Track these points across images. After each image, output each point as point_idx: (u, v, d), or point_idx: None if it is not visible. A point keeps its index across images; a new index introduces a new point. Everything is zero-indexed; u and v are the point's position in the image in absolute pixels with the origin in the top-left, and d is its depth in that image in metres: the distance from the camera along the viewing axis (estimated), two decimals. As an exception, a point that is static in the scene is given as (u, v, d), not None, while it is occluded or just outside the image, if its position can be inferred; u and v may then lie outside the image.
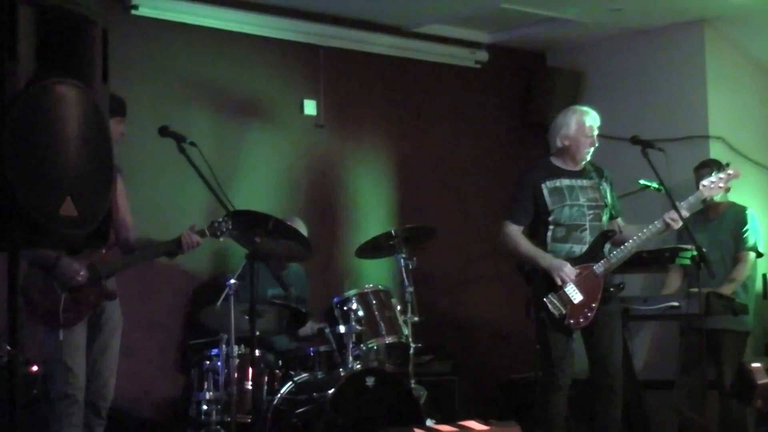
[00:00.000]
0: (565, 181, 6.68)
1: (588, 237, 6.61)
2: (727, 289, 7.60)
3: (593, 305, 6.50)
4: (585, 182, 6.70)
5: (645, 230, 6.59)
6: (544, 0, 8.56)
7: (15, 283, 3.50)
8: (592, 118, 6.77)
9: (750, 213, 7.97)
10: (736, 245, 7.87)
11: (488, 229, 8.99)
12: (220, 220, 6.23)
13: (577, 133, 6.68)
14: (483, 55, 9.59)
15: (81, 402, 5.91)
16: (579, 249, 6.60)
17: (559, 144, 6.76)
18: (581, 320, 6.49)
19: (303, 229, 7.72)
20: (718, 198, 7.84)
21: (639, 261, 7.77)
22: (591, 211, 6.64)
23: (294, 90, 8.65)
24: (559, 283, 6.47)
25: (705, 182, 6.71)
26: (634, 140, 6.85)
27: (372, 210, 8.97)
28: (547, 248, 6.63)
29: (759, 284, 8.51)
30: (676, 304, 7.37)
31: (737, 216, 7.94)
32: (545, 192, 6.66)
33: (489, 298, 9.37)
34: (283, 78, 8.59)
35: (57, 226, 3.37)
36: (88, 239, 3.58)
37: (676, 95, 9.08)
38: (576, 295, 6.48)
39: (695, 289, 7.02)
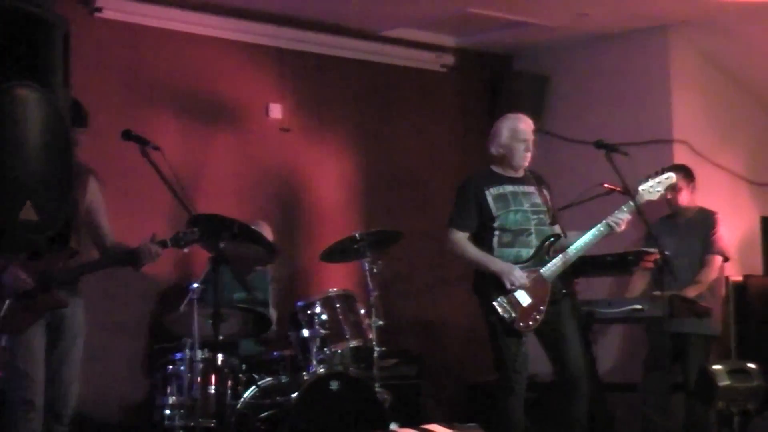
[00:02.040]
0: (509, 188, 6.76)
1: (534, 241, 6.69)
2: (692, 292, 7.66)
3: (541, 308, 6.59)
4: (527, 188, 6.79)
5: (589, 233, 6.66)
6: (511, 4, 8.60)
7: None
8: (525, 123, 6.85)
9: (718, 217, 8.03)
10: (704, 249, 7.93)
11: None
12: (186, 231, 6.14)
13: (509, 140, 6.78)
14: (449, 59, 9.63)
15: (39, 407, 5.84)
16: (526, 253, 6.69)
17: (494, 152, 6.86)
18: (530, 323, 6.57)
19: (269, 234, 7.72)
20: (685, 203, 7.92)
21: (604, 264, 7.85)
22: (535, 216, 6.73)
23: (259, 94, 8.66)
24: (509, 286, 6.54)
25: (643, 186, 6.76)
26: (599, 144, 6.92)
27: (338, 214, 8.99)
28: (494, 253, 6.71)
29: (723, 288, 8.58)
30: (639, 307, 7.42)
31: (706, 220, 8.01)
32: (489, 198, 6.74)
33: (455, 302, 9.39)
34: (248, 81, 8.60)
35: (17, 231, 3.36)
36: (49, 244, 3.58)
37: (641, 99, 9.15)
38: (525, 299, 6.57)
39: (658, 292, 7.08)
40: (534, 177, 6.87)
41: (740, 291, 8.74)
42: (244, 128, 8.56)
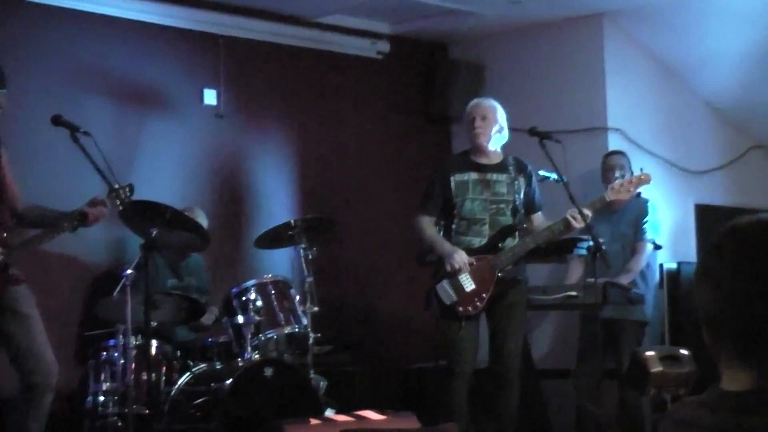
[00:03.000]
0: (474, 175, 6.83)
1: (487, 230, 6.77)
2: (624, 279, 7.74)
3: (483, 295, 6.68)
4: (496, 176, 6.86)
5: (546, 228, 6.75)
6: (446, -9, 8.64)
7: None
8: (474, 102, 7.00)
9: (651, 205, 8.12)
10: (636, 236, 8.01)
11: (391, 220, 9.12)
12: (118, 186, 6.10)
13: (466, 122, 6.88)
14: (384, 46, 9.63)
15: None
16: (478, 242, 6.77)
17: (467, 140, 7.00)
18: (470, 308, 6.67)
19: (203, 220, 7.69)
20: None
21: (538, 251, 7.88)
22: (493, 206, 6.79)
23: (194, 80, 8.62)
24: (448, 269, 6.61)
25: (615, 185, 6.88)
26: (532, 132, 6.99)
27: (274, 201, 8.98)
28: (451, 240, 6.78)
29: (657, 275, 8.66)
30: (574, 293, 7.52)
31: (639, 208, 8.08)
32: (452, 185, 6.86)
33: (392, 289, 9.42)
34: (182, 67, 8.56)
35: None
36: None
37: (576, 88, 9.21)
38: (468, 284, 6.66)
39: (592, 279, 7.15)
40: (515, 165, 6.90)
41: (674, 278, 8.82)
42: (179, 114, 8.51)
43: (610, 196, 6.88)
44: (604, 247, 6.93)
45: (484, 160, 6.90)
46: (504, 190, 6.84)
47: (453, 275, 6.69)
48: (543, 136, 6.94)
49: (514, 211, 6.83)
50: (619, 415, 7.91)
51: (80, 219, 6.00)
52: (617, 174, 7.95)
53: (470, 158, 6.95)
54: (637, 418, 7.74)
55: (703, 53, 9.29)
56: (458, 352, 6.75)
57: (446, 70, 9.71)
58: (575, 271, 8.08)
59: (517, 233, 6.84)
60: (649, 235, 8.01)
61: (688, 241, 9.44)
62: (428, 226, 6.95)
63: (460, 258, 6.68)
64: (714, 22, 8.92)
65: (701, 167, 9.64)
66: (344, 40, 9.40)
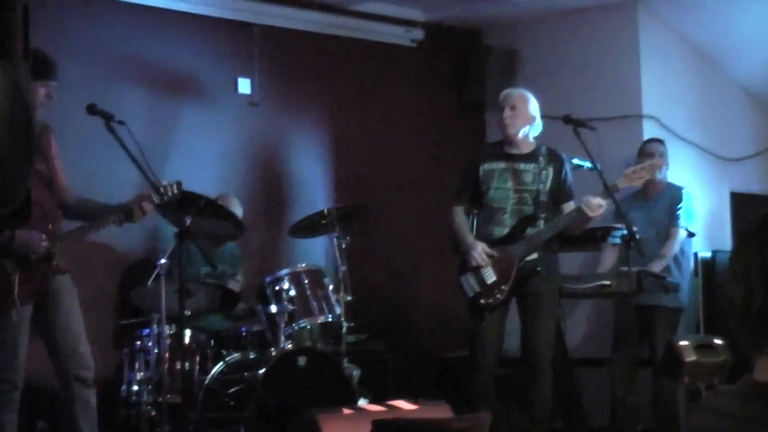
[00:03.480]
0: (501, 164, 6.86)
1: (508, 220, 6.81)
2: (657, 266, 7.71)
3: (503, 287, 6.75)
4: (523, 166, 6.86)
5: (561, 218, 6.77)
6: (479, -22, 8.62)
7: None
8: (503, 95, 6.98)
9: (686, 193, 8.08)
10: (669, 222, 7.98)
11: (425, 208, 9.12)
12: (166, 183, 6.14)
13: (498, 112, 6.88)
14: (418, 34, 9.62)
15: (20, 387, 5.81)
16: (499, 231, 6.82)
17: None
18: (491, 300, 6.76)
19: (238, 208, 7.72)
20: (659, 176, 7.96)
21: (572, 239, 7.88)
22: (516, 195, 6.82)
23: (228, 68, 8.63)
24: (471, 263, 6.67)
25: (628, 171, 6.86)
26: (567, 119, 6.98)
27: (309, 189, 8.99)
28: (478, 229, 6.85)
29: (692, 263, 8.63)
30: (607, 282, 7.49)
31: (673, 195, 8.05)
32: (481, 173, 6.89)
33: (426, 277, 9.43)
34: (216, 56, 8.58)
35: (-24, 206, 3.36)
36: (9, 219, 3.57)
37: (610, 74, 9.17)
38: (490, 276, 6.73)
39: (626, 268, 7.13)
40: (546, 155, 6.89)
41: (708, 266, 8.78)
42: (213, 103, 8.53)
43: (623, 182, 6.85)
44: (638, 236, 6.92)
45: (514, 150, 6.90)
46: (530, 179, 6.84)
47: (476, 267, 6.74)
48: (577, 124, 6.93)
49: (537, 201, 6.83)
50: (653, 403, 7.88)
51: (127, 214, 6.02)
52: (660, 161, 7.94)
53: (502, 148, 6.96)
54: (672, 406, 7.70)
55: (738, 39, 9.23)
56: (480, 344, 6.83)
57: (480, 57, 9.69)
58: (609, 259, 8.05)
59: (540, 222, 6.83)
60: (682, 222, 7.98)
61: (724, 229, 9.39)
62: (458, 215, 7.02)
63: (479, 254, 6.75)
64: (749, 7, 8.86)
65: (737, 154, 9.59)
66: (378, 27, 9.39)
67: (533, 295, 6.81)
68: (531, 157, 6.89)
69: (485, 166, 6.89)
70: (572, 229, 6.91)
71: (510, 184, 6.83)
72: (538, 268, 6.79)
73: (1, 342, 5.75)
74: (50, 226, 5.86)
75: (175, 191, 6.10)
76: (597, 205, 6.63)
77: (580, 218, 6.75)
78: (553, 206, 6.89)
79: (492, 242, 6.81)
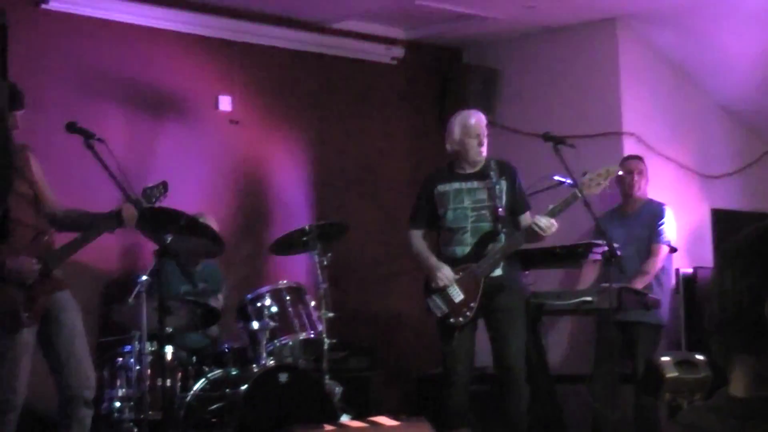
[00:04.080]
0: (455, 185, 6.96)
1: (469, 239, 6.91)
2: (639, 283, 7.74)
3: (472, 304, 6.84)
4: (476, 184, 6.95)
5: (518, 234, 6.83)
6: (459, -4, 8.64)
7: None
8: (475, 118, 7.01)
9: (667, 209, 8.12)
10: (650, 239, 8.01)
11: (407, 225, 9.11)
12: (152, 185, 6.18)
13: (462, 136, 6.95)
14: (399, 52, 9.64)
15: (19, 407, 5.80)
16: (461, 251, 6.93)
17: (449, 149, 7.09)
18: (460, 319, 6.86)
19: (213, 225, 7.72)
20: (641, 192, 8.00)
21: (553, 257, 7.95)
22: (474, 213, 6.90)
23: (208, 86, 8.64)
24: (433, 285, 6.76)
25: (584, 179, 6.88)
26: (546, 137, 7.03)
27: (289, 206, 8.99)
28: (439, 251, 7.00)
29: (673, 279, 8.66)
30: (589, 299, 7.51)
31: (654, 211, 8.09)
32: (436, 197, 7.01)
33: (407, 294, 9.41)
34: (197, 73, 8.58)
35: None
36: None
37: (590, 92, 9.20)
38: (457, 295, 6.83)
39: (607, 284, 7.15)
40: (497, 168, 6.94)
41: (690, 283, 8.81)
42: (193, 120, 8.54)
43: (583, 191, 6.87)
44: (618, 252, 6.94)
45: (467, 170, 6.98)
46: (484, 196, 6.91)
47: (441, 288, 6.80)
48: (557, 141, 6.98)
49: (495, 216, 6.88)
50: (634, 420, 7.89)
51: (118, 218, 6.02)
52: (636, 178, 8.01)
53: (453, 169, 7.04)
54: (653, 423, 7.72)
55: (718, 57, 9.28)
56: (453, 363, 6.91)
57: (460, 75, 9.71)
58: (588, 276, 8.07)
59: (501, 237, 6.88)
60: (665, 237, 8.01)
61: (705, 245, 9.42)
62: (417, 239, 7.14)
63: (444, 276, 6.84)
64: (729, 26, 8.92)
65: (717, 171, 9.63)
66: (359, 45, 9.42)
67: (501, 311, 6.88)
68: (482, 173, 6.96)
69: (439, 188, 6.99)
70: (528, 242, 6.97)
71: (467, 203, 6.92)
72: (504, 283, 6.85)
73: (3, 363, 5.73)
74: (45, 239, 5.86)
75: (163, 192, 6.15)
76: (547, 226, 6.69)
77: (534, 238, 6.82)
78: (511, 219, 6.95)
79: (455, 261, 6.91)
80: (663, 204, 8.16)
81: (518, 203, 7.00)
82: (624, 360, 7.87)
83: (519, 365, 6.88)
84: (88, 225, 6.08)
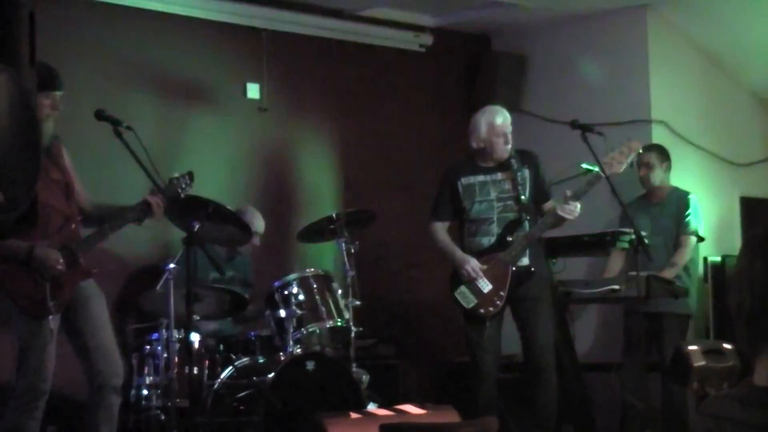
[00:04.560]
0: (480, 177, 7.01)
1: (495, 229, 6.97)
2: (669, 273, 7.71)
3: (501, 293, 6.88)
4: (500, 175, 6.99)
5: (546, 218, 6.83)
6: (488, -17, 8.62)
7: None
8: (502, 117, 7.02)
9: (692, 198, 8.07)
10: (678, 229, 7.97)
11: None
12: (177, 175, 6.20)
13: (488, 134, 6.96)
14: (427, 39, 9.62)
15: (47, 394, 5.82)
16: (487, 241, 6.98)
17: (474, 145, 7.12)
18: (491, 309, 6.89)
19: (259, 220, 7.79)
20: (657, 182, 7.96)
21: (580, 245, 7.93)
22: (500, 204, 6.95)
23: (237, 73, 8.64)
24: (464, 278, 6.73)
25: (607, 159, 6.85)
26: (574, 124, 7.00)
27: (317, 194, 9.00)
28: (464, 243, 7.03)
29: (701, 268, 8.63)
30: (616, 287, 7.47)
31: (680, 200, 8.04)
32: (460, 189, 7.06)
33: (435, 282, 9.36)
34: (225, 61, 8.59)
35: (-18, 212, 3.37)
36: (17, 224, 3.59)
37: (619, 79, 9.16)
38: (485, 285, 6.84)
39: (634, 273, 7.12)
40: (520, 157, 6.96)
41: (718, 271, 8.78)
42: (222, 108, 8.55)
43: (606, 171, 6.83)
44: (645, 241, 6.92)
45: (490, 163, 6.99)
46: (509, 186, 6.95)
47: (468, 280, 6.81)
48: (585, 129, 6.95)
49: (520, 206, 6.90)
50: (662, 409, 7.87)
51: (145, 208, 6.04)
52: (643, 172, 7.93)
53: (476, 162, 7.06)
54: (682, 412, 7.70)
55: (748, 43, 9.23)
56: (482, 353, 6.92)
57: (489, 62, 9.69)
58: (615, 264, 8.04)
59: (525, 225, 6.90)
60: (692, 228, 7.97)
61: (733, 234, 9.37)
62: (440, 232, 7.20)
63: (471, 268, 6.87)
64: (759, 12, 8.86)
65: (746, 159, 9.58)
66: (387, 32, 9.40)
67: (529, 300, 6.90)
68: (506, 163, 6.96)
69: (463, 181, 7.01)
70: (553, 227, 7.01)
71: (493, 194, 6.95)
72: (532, 272, 6.85)
73: (31, 349, 5.76)
74: (72, 227, 5.89)
75: (188, 181, 6.17)
76: (573, 209, 6.68)
77: (558, 221, 6.81)
78: (535, 208, 6.96)
79: (481, 253, 6.93)
80: (688, 193, 8.10)
81: (541, 192, 7.02)
82: (652, 349, 7.85)
83: (548, 354, 6.90)
84: (116, 217, 6.10)
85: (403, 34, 9.51)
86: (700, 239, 8.09)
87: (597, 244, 7.90)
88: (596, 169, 7.06)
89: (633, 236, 6.98)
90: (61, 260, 5.74)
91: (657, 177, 8.00)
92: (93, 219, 6.16)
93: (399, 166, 9.44)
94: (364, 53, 9.34)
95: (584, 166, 7.37)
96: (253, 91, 8.69)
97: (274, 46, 8.77)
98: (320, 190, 9.03)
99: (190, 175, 6.26)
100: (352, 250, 7.43)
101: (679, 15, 9.06)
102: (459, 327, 8.93)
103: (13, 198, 3.47)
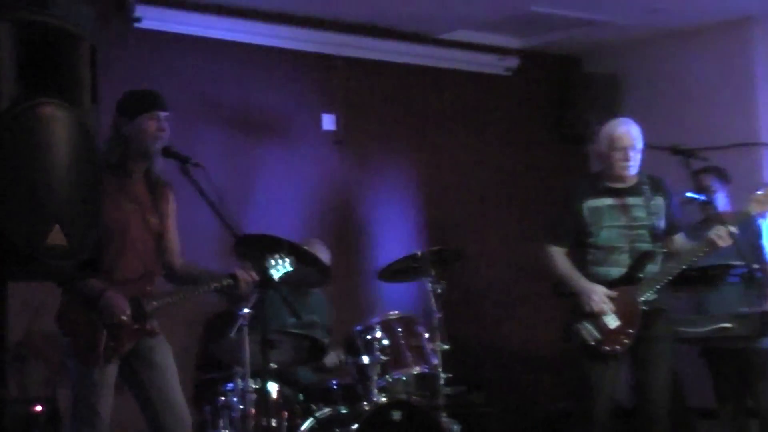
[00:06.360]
0: (608, 201, 6.68)
1: (627, 259, 6.61)
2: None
3: (630, 331, 6.54)
4: (631, 200, 6.68)
5: (689, 251, 6.58)
6: (577, 1, 8.55)
7: (3, 319, 3.49)
8: (624, 128, 6.71)
9: (764, 223, 7.88)
10: (756, 257, 7.76)
11: (522, 249, 9.02)
12: (277, 255, 6.14)
13: (608, 149, 6.67)
14: (513, 62, 9.58)
15: None
16: (617, 272, 6.61)
17: (599, 162, 6.86)
18: (617, 347, 6.52)
19: (324, 254, 7.69)
20: (721, 206, 7.77)
21: (685, 280, 7.73)
22: (632, 232, 6.62)
23: (311, 104, 8.66)
24: (587, 309, 6.49)
25: (758, 195, 6.63)
26: (675, 149, 6.82)
27: (397, 230, 8.97)
28: (587, 271, 6.66)
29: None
30: (728, 325, 7.28)
31: (749, 227, 7.78)
32: (585, 212, 6.71)
33: (525, 323, 9.34)
34: (299, 91, 8.61)
35: (45, 257, 3.35)
36: (79, 270, 3.57)
37: (723, 99, 9.04)
38: (612, 321, 6.51)
39: (746, 309, 6.97)
40: (651, 183, 6.75)
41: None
42: (296, 141, 8.56)
43: (754, 208, 6.66)
44: (759, 274, 6.77)
45: (619, 184, 6.74)
46: (642, 214, 6.67)
47: (596, 314, 6.57)
48: (688, 154, 6.77)
49: (654, 236, 6.68)
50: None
51: (232, 281, 5.99)
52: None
53: (604, 182, 6.80)
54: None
55: None
56: (597, 396, 6.63)
57: (580, 85, 9.63)
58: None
59: (659, 258, 6.69)
60: None
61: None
62: (560, 258, 6.79)
63: (600, 299, 6.56)
64: None
65: None
66: (469, 56, 9.38)
67: (653, 340, 6.63)
68: (636, 189, 6.74)
69: (590, 204, 6.74)
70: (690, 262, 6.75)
71: (623, 221, 6.68)
72: (661, 309, 6.64)
73: (81, 398, 5.76)
74: (148, 288, 5.87)
75: (284, 260, 6.07)
76: (727, 234, 6.47)
77: (711, 250, 6.58)
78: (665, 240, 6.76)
79: (609, 284, 6.63)
80: (756, 218, 7.86)
81: (673, 223, 6.81)
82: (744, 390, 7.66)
83: (664, 400, 6.65)
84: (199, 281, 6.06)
85: (487, 58, 9.49)
86: None
87: (703, 278, 7.70)
88: (702, 197, 6.91)
89: (745, 269, 6.82)
90: (128, 312, 5.73)
91: (720, 201, 7.83)
92: (178, 279, 6.14)
93: (484, 199, 9.39)
94: (445, 79, 9.32)
95: (688, 195, 7.25)
96: (328, 122, 8.70)
97: (349, 74, 8.77)
98: (400, 226, 9.00)
99: (288, 254, 6.13)
100: (439, 290, 7.36)
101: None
102: (552, 370, 8.87)
103: (76, 242, 3.45)
